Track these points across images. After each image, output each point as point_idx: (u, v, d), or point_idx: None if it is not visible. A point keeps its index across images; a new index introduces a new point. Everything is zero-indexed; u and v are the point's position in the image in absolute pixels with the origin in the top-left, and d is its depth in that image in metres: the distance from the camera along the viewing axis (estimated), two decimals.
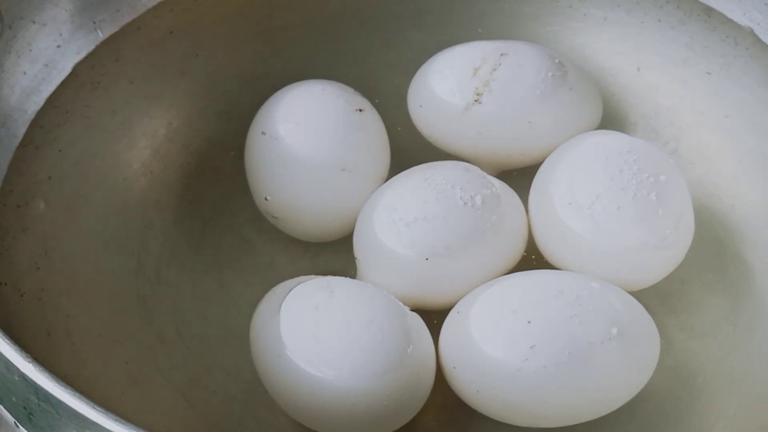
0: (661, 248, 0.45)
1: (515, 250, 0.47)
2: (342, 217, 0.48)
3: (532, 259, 0.48)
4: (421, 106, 0.51)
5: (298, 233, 0.49)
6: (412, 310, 0.45)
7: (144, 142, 0.51)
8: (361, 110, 0.49)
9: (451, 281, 0.45)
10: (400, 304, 0.44)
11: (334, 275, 0.46)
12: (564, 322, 0.42)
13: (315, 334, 0.42)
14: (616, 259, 0.45)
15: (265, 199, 0.48)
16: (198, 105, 0.53)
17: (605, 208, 0.45)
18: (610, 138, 0.48)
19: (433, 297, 0.45)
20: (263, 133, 0.49)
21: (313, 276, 0.46)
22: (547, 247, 0.47)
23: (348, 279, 0.45)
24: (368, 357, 0.42)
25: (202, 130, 0.52)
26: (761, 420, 0.45)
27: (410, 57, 0.53)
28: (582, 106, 0.50)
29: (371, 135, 0.49)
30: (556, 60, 0.50)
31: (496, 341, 0.43)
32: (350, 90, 0.50)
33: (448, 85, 0.49)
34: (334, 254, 0.49)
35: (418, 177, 0.47)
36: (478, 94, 0.49)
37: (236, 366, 0.46)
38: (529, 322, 0.42)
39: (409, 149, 0.51)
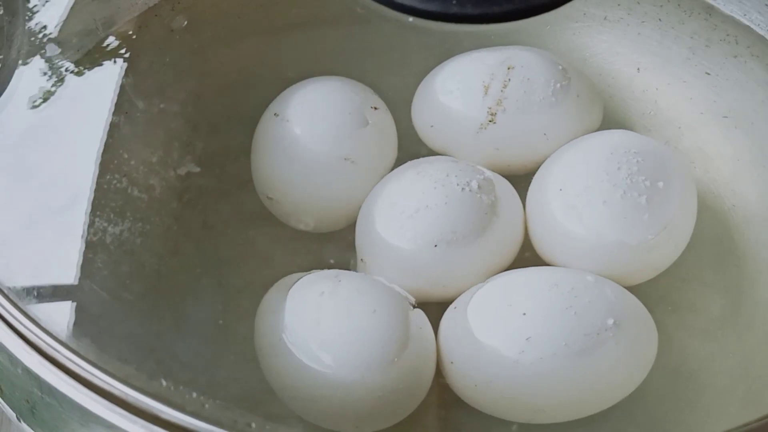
0: (640, 251, 0.45)
1: (516, 231, 0.47)
2: (342, 207, 0.49)
3: (527, 256, 0.48)
4: (432, 126, 0.51)
5: (293, 219, 0.49)
6: (419, 303, 0.45)
7: (145, 139, 0.51)
8: (375, 108, 0.50)
9: (461, 267, 0.46)
10: (405, 296, 0.45)
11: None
12: (559, 313, 0.43)
13: (317, 320, 0.43)
14: (593, 253, 0.45)
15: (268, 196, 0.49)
16: (200, 103, 0.53)
17: (590, 200, 0.45)
18: (618, 135, 0.48)
19: (444, 286, 0.46)
20: (276, 114, 0.49)
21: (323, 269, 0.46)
22: (536, 235, 0.47)
23: (356, 273, 0.46)
24: (369, 348, 0.42)
25: (204, 128, 0.52)
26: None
27: (412, 57, 0.53)
28: (587, 110, 0.50)
29: (381, 131, 0.50)
30: (560, 67, 0.50)
31: (493, 334, 0.43)
32: (368, 89, 0.51)
33: (460, 107, 0.50)
34: (336, 251, 0.49)
35: (411, 171, 0.47)
36: (492, 114, 0.49)
37: (237, 364, 0.46)
38: (524, 314, 0.43)
39: (409, 150, 0.51)
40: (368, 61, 0.54)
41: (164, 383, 0.42)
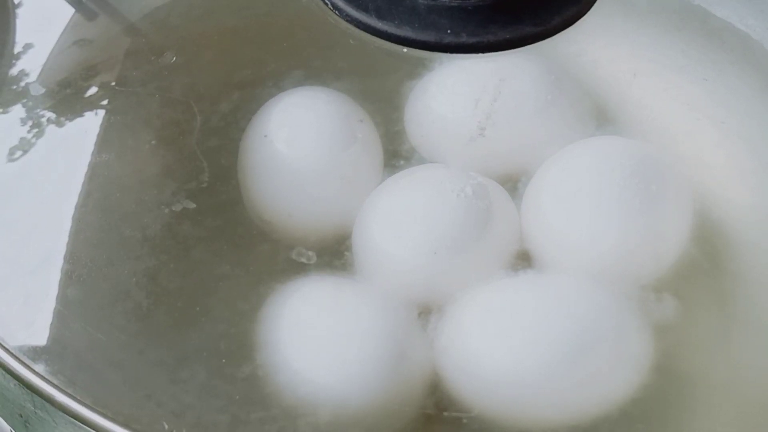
0: (634, 254, 0.46)
1: (512, 235, 0.47)
2: (338, 222, 0.48)
3: (522, 260, 0.48)
4: (422, 136, 0.51)
5: (294, 245, 0.49)
6: (418, 311, 0.45)
7: (142, 145, 0.51)
8: (361, 121, 0.50)
9: (461, 273, 0.46)
10: (402, 308, 0.45)
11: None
12: (557, 321, 0.43)
13: (312, 332, 0.43)
14: (588, 257, 0.46)
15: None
16: (196, 109, 0.53)
17: (584, 203, 0.46)
18: (610, 141, 0.48)
19: (444, 293, 0.46)
20: (265, 136, 0.49)
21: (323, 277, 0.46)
22: (531, 240, 0.48)
23: (356, 282, 0.46)
24: (364, 359, 0.42)
25: (201, 134, 0.52)
26: (758, 425, 0.45)
27: (404, 61, 0.53)
28: (578, 121, 0.50)
29: (368, 144, 0.50)
30: (552, 77, 0.50)
31: (490, 343, 0.43)
32: (350, 99, 0.51)
33: (449, 120, 0.50)
34: (335, 257, 0.49)
35: (405, 181, 0.48)
36: (481, 128, 0.49)
37: (237, 369, 0.46)
38: (521, 322, 0.43)
39: (398, 156, 0.51)
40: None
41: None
